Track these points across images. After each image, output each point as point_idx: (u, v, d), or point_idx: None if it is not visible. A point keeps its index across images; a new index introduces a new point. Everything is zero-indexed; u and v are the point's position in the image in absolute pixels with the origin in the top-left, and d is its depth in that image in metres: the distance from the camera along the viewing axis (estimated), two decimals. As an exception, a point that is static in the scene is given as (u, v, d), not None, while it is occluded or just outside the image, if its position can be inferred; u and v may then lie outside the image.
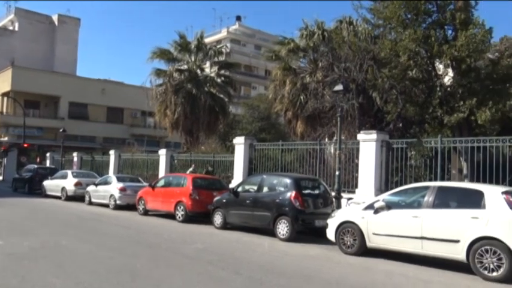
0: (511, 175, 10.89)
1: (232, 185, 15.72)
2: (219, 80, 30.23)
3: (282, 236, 11.01)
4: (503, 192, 7.68)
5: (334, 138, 15.63)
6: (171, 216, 14.87)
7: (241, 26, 64.24)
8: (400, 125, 17.11)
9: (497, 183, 10.66)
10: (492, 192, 7.78)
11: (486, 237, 7.41)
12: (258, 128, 34.44)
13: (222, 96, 30.10)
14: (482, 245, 7.42)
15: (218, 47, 32.80)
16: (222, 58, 31.92)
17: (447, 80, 15.55)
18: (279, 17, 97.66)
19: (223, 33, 60.72)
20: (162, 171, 21.45)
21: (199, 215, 14.25)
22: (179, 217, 14.37)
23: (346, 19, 21.29)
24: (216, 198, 13.44)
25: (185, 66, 29.45)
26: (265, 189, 12.26)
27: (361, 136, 14.09)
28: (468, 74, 14.08)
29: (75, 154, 29.40)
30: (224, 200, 13.05)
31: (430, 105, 14.78)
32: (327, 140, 18.34)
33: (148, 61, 28.88)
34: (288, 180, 11.70)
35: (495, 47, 19.45)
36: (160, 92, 28.64)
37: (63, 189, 21.38)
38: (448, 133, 14.96)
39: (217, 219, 12.98)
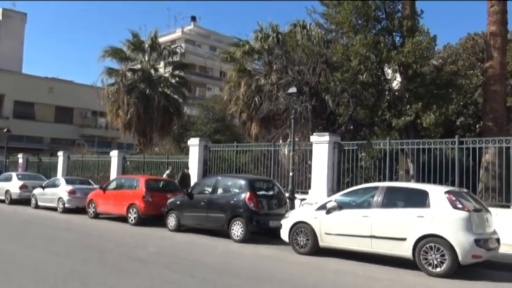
0: (453, 175, 11.51)
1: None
2: (173, 81, 29.89)
3: (236, 238, 11.04)
4: (446, 192, 8.08)
5: (288, 139, 15.87)
6: (123, 219, 14.52)
7: (196, 26, 63.78)
8: (351, 127, 17.66)
9: (440, 183, 11.22)
10: (436, 192, 8.17)
11: (430, 235, 7.77)
12: (212, 129, 34.30)
13: (176, 97, 29.78)
14: (427, 242, 7.77)
15: (173, 47, 32.48)
16: (176, 58, 31.58)
17: (395, 84, 16.22)
18: (234, 18, 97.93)
19: (178, 33, 60.04)
20: (113, 173, 20.90)
21: (152, 218, 14.00)
22: (131, 220, 14.07)
23: (300, 23, 21.70)
24: (170, 200, 13.27)
25: (138, 66, 28.89)
26: (220, 190, 12.25)
27: (314, 138, 14.40)
28: (414, 79, 14.76)
29: (20, 155, 28.02)
30: (178, 202, 12.92)
31: (380, 109, 15.36)
32: (281, 141, 18.58)
33: (100, 60, 28.10)
34: (242, 182, 11.76)
35: (439, 54, 20.48)
36: (112, 91, 27.92)
37: (7, 192, 20.36)
38: (396, 135, 15.59)
39: (171, 221, 12.82)
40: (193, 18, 64.53)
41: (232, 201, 11.51)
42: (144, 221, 13.97)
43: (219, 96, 37.36)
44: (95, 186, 18.13)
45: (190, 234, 12.17)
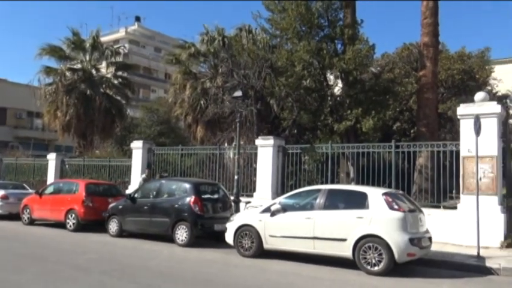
0: (390, 178, 12.09)
1: (129, 191, 15.21)
2: (116, 82, 29.00)
3: (181, 242, 10.92)
4: (383, 194, 8.48)
5: (234, 143, 15.95)
6: (61, 225, 13.89)
7: (140, 27, 62.31)
8: (295, 131, 18.04)
9: (378, 185, 11.77)
10: (374, 194, 8.55)
11: (369, 235, 8.11)
12: (157, 132, 33.65)
13: (119, 98, 28.92)
14: (366, 242, 8.11)
15: (115, 47, 31.51)
16: (119, 59, 30.67)
17: (337, 90, 16.80)
18: (179, 20, 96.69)
19: (122, 33, 58.35)
20: (51, 177, 19.96)
21: (92, 223, 13.51)
22: (70, 226, 13.50)
23: (246, 27, 21.88)
24: (111, 205, 12.88)
25: (79, 66, 27.74)
26: (164, 194, 12.06)
27: (259, 141, 14.57)
28: (355, 85, 15.37)
29: None
30: (120, 207, 12.57)
31: (322, 113, 15.83)
32: (226, 144, 18.62)
33: (37, 58, 26.65)
34: (187, 185, 11.66)
35: (377, 62, 21.45)
36: (50, 91, 26.63)
37: None
38: (337, 139, 16.11)
39: (113, 226, 12.45)
40: (138, 19, 63.00)
41: (176, 205, 11.38)
42: (83, 226, 13.45)
43: (164, 99, 36.80)
44: (30, 191, 17.22)
45: (132, 239, 11.87)
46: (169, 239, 11.25)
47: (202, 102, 21.97)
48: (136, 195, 12.46)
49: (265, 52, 18.15)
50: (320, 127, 16.48)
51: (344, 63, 14.89)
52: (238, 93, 13.80)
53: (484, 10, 73.27)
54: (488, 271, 8.24)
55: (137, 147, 17.52)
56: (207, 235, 11.48)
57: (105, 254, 9.80)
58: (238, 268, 8.56)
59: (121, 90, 29.06)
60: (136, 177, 17.01)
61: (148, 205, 11.92)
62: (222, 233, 10.36)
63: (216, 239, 11.15)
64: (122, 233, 12.31)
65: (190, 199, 11.16)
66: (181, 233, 10.98)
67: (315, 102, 16.31)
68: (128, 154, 19.74)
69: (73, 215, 13.51)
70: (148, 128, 34.30)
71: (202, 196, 11.49)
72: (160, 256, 9.74)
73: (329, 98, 16.34)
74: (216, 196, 12.17)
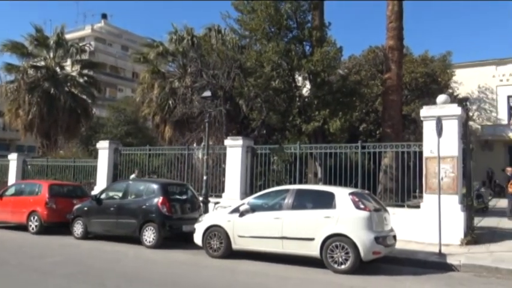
0: (356, 178, 12.33)
1: (95, 192, 14.87)
2: (81, 80, 28.35)
3: (148, 243, 10.78)
4: (350, 193, 8.64)
5: (202, 143, 15.86)
6: (23, 227, 13.44)
7: (107, 24, 61.05)
8: (264, 131, 18.13)
9: (345, 185, 11.99)
10: (341, 194, 8.70)
11: (336, 234, 8.25)
12: (124, 132, 33.11)
13: (84, 97, 28.28)
14: (333, 241, 8.24)
15: (81, 44, 30.82)
16: (85, 57, 30.03)
17: (305, 91, 17.00)
18: (147, 18, 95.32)
19: (87, 30, 56.99)
20: (12, 178, 19.28)
21: (56, 226, 13.12)
22: (32, 228, 13.08)
23: (215, 27, 21.84)
24: (76, 207, 12.56)
25: (42, 63, 26.97)
26: (131, 195, 11.87)
27: (228, 142, 14.56)
28: (322, 87, 15.59)
29: None
30: (85, 208, 12.28)
31: (291, 114, 15.98)
32: (195, 145, 18.52)
33: (-3, 54, 25.74)
34: (155, 186, 11.52)
35: (345, 64, 21.84)
36: (11, 89, 25.78)
37: None
38: (305, 140, 16.31)
39: (78, 228, 12.15)
40: (104, 16, 61.70)
41: (144, 206, 11.22)
42: (46, 229, 13.04)
43: (131, 98, 36.25)
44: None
45: (98, 241, 11.62)
46: (137, 240, 11.08)
47: (170, 102, 21.76)
48: (102, 197, 12.21)
49: (235, 52, 18.17)
50: (289, 128, 16.63)
51: (312, 65, 15.08)
52: (207, 93, 13.74)
53: (446, 15, 75.90)
54: (449, 267, 8.54)
55: (103, 147, 17.17)
56: (175, 236, 11.38)
57: (69, 257, 9.56)
58: (206, 269, 8.53)
59: (87, 89, 28.42)
60: (102, 178, 16.66)
61: (115, 206, 11.70)
62: (190, 234, 10.29)
63: (184, 240, 11.06)
64: (87, 235, 12.04)
65: (158, 200, 11.04)
66: (149, 235, 10.84)
67: (283, 103, 16.44)
68: (94, 154, 19.32)
69: (36, 217, 13.10)
70: (115, 127, 33.70)
71: (171, 197, 11.39)
72: (127, 258, 9.59)
73: (297, 99, 16.51)
74: (184, 197, 12.09)
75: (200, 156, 16.15)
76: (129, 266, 8.71)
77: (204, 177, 13.30)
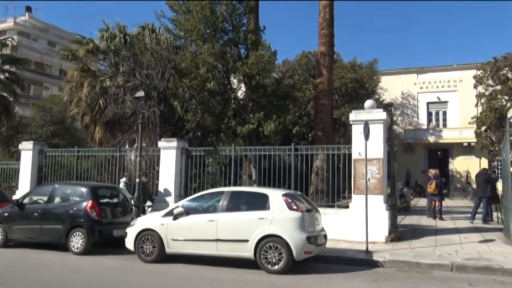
0: (289, 179, 12.64)
1: (17, 197, 13.93)
2: (2, 76, 26.45)
3: (76, 250, 10.28)
4: (283, 195, 8.83)
5: (135, 145, 15.46)
6: None
7: (31, 18, 57.36)
8: (199, 133, 18.03)
9: (279, 186, 12.25)
10: (275, 195, 8.87)
11: (270, 235, 8.39)
12: (50, 132, 31.32)
13: (5, 94, 26.43)
14: (266, 242, 8.37)
15: (2, 38, 28.73)
16: (7, 51, 27.98)
17: (240, 93, 17.13)
18: (77, 14, 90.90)
19: (10, 23, 53.16)
20: None
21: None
22: None
23: (149, 26, 21.31)
24: (-5, 212, 11.69)
25: (-44, 57, 24.84)
26: (58, 199, 11.26)
27: (162, 143, 14.30)
28: (257, 89, 15.80)
29: None
30: (6, 214, 11.47)
31: (226, 116, 16.03)
32: (127, 146, 17.98)
33: None
34: (83, 189, 11.02)
35: (279, 68, 22.29)
36: None
37: None
38: (240, 142, 16.44)
39: (-3, 236, 11.31)
40: (29, 9, 57.92)
41: (71, 211, 10.69)
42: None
43: (58, 97, 34.33)
44: None
45: (21, 249, 10.90)
46: (64, 247, 10.53)
47: (101, 101, 20.88)
48: (25, 201, 11.47)
49: (169, 53, 17.87)
50: (224, 130, 16.66)
51: (247, 68, 15.23)
52: (141, 93, 13.41)
53: (374, 24, 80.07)
54: (375, 264, 9.02)
55: (27, 148, 16.14)
56: (105, 241, 10.95)
57: (-13, 267, 8.87)
58: (139, 274, 8.31)
59: (8, 86, 26.57)
60: (25, 182, 15.66)
61: (39, 211, 11.02)
62: (122, 238, 9.97)
63: (115, 246, 10.67)
64: (7, 243, 11.24)
65: (86, 204, 10.57)
66: (77, 241, 10.34)
67: (218, 105, 16.45)
68: (16, 156, 18.09)
69: None
70: (40, 128, 31.80)
71: (101, 200, 10.95)
72: (52, 266, 9.09)
73: (232, 101, 16.60)
74: (115, 200, 11.68)
75: (133, 158, 15.70)
76: (54, 274, 8.26)
77: (137, 180, 12.96)
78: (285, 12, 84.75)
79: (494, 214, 15.33)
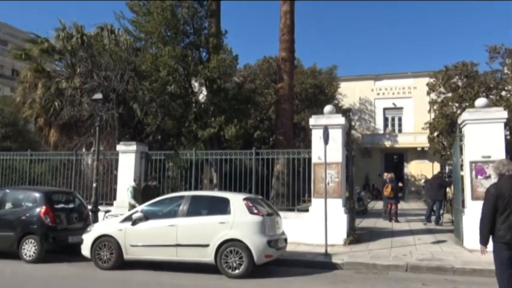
0: (250, 183, 12.69)
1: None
2: None
3: (28, 258, 9.84)
4: (244, 199, 8.85)
5: (92, 148, 15.04)
6: None
7: (-20, 14, 54.68)
8: (159, 137, 17.79)
9: (240, 190, 12.27)
10: (236, 199, 8.86)
11: (231, 240, 8.38)
12: (1, 135, 29.88)
13: (-49, 95, 24.98)
14: (227, 246, 8.35)
15: None
16: (-48, 49, 26.51)
17: (201, 97, 17.05)
18: (31, 12, 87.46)
19: (-44, 19, 50.49)
20: None
21: None
22: None
23: (108, 27, 20.85)
24: None
25: None
26: (8, 205, 10.73)
27: (120, 147, 14.01)
28: (218, 93, 15.79)
29: None
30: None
31: (187, 120, 15.90)
32: (84, 150, 17.47)
33: None
34: (37, 195, 10.58)
35: (240, 72, 22.36)
36: None
37: None
38: (201, 146, 16.34)
39: None
40: (-23, 5, 55.24)
41: (24, 217, 10.24)
42: None
43: (10, 98, 32.82)
44: None
45: (-33, 258, 10.32)
46: (16, 255, 10.06)
47: (56, 103, 20.16)
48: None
49: (129, 54, 17.54)
50: (184, 133, 16.52)
51: (208, 71, 15.19)
52: (99, 95, 13.07)
53: (333, 30, 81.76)
54: (334, 266, 9.20)
55: (-25, 152, 15.36)
56: (60, 249, 10.55)
57: None
58: (95, 282, 8.08)
59: (-46, 86, 25.16)
60: (-28, 187, 14.87)
61: (-13, 218, 10.48)
62: (77, 245, 9.65)
63: (70, 253, 10.31)
64: (-48, 252, 10.61)
65: (40, 210, 10.15)
66: (29, 248, 9.91)
67: (179, 108, 16.30)
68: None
69: None
70: (-11, 130, 30.28)
71: (55, 206, 10.55)
72: (2, 275, 8.66)
73: (194, 105, 16.49)
74: (71, 206, 11.29)
75: (90, 162, 15.26)
76: (4, 284, 7.87)
77: (94, 185, 12.59)
78: (247, 17, 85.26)
79: (446, 216, 16.03)
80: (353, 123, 34.53)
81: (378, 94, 36.80)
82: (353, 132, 32.51)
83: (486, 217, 5.55)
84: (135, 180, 13.28)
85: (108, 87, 17.12)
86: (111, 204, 13.54)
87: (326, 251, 9.98)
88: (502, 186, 5.57)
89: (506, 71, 23.05)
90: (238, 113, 15.96)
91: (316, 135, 11.70)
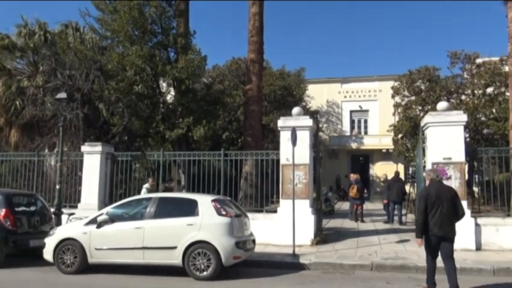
0: (219, 185, 12.65)
1: None
2: None
3: (-13, 263, 9.46)
4: (212, 200, 8.81)
5: (56, 149, 14.63)
6: None
7: None
8: (126, 138, 17.49)
9: (208, 192, 12.21)
10: (204, 201, 8.81)
11: (199, 241, 8.31)
12: (-44, 134, 28.56)
13: None
14: (195, 248, 8.29)
15: None
16: None
17: (169, 98, 16.87)
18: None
19: None
20: None
21: None
22: None
23: (73, 24, 20.31)
24: None
25: None
26: (-34, 209, 10.29)
27: (85, 148, 13.69)
28: (187, 94, 15.66)
29: None
30: None
31: (154, 121, 15.69)
32: (47, 151, 16.97)
33: None
34: (-4, 197, 10.18)
35: (209, 73, 22.25)
36: None
37: None
38: (169, 147, 16.17)
39: None
40: None
41: (-18, 221, 9.83)
42: None
43: (-33, 96, 31.45)
44: None
45: None
46: (-28, 260, 9.64)
47: (17, 102, 19.48)
48: None
49: (94, 53, 17.16)
50: (152, 134, 16.29)
51: (177, 72, 15.05)
52: (62, 94, 12.71)
53: (301, 32, 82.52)
54: (302, 267, 9.29)
55: None
56: (21, 253, 10.19)
57: None
58: (58, 287, 7.85)
59: None
60: None
61: None
62: (39, 249, 9.35)
63: (32, 257, 9.97)
64: None
65: (0, 213, 9.78)
66: (-12, 253, 9.52)
67: (147, 108, 16.07)
68: None
69: None
70: None
71: (16, 209, 10.17)
72: (-42, 282, 8.29)
73: (161, 106, 16.29)
74: (32, 208, 10.91)
75: (53, 163, 14.82)
76: (-40, 290, 7.55)
77: (57, 186, 12.22)
78: (216, 18, 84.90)
79: (410, 216, 16.47)
80: (320, 125, 34.99)
81: (345, 97, 37.44)
82: (320, 134, 32.94)
83: (419, 215, 6.83)
84: (148, 182, 12.88)
85: (73, 87, 16.69)
86: (75, 207, 13.20)
87: (294, 251, 10.06)
88: (430, 190, 6.82)
89: (466, 75, 23.93)
90: (206, 114, 15.87)
91: (285, 137, 11.78)
